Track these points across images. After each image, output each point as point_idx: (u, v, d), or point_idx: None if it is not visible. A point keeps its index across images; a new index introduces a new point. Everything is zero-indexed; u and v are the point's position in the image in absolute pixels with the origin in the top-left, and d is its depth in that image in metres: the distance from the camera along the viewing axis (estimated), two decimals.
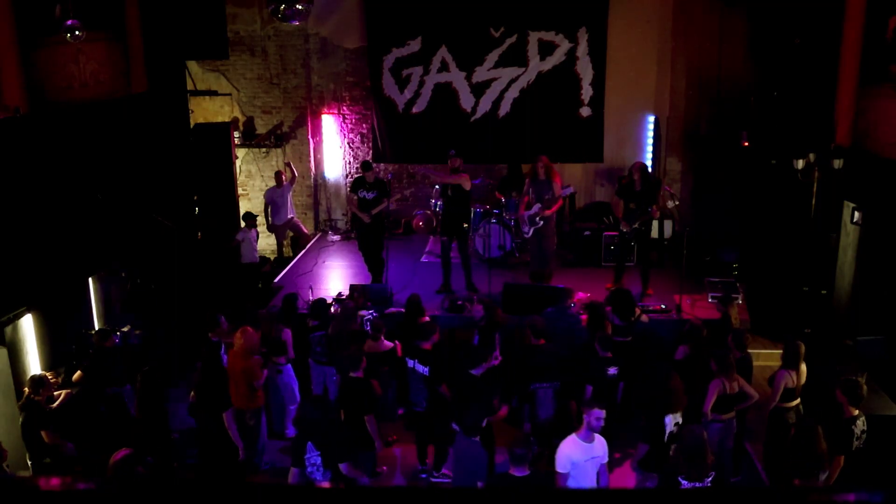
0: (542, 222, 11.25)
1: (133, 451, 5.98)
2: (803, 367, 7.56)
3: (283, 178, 13.55)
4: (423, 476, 8.07)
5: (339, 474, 6.49)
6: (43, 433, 7.66)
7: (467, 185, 11.05)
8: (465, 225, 11.05)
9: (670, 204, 12.36)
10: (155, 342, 9.78)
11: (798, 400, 7.54)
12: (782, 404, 7.46)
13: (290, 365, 8.56)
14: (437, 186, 12.64)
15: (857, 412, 6.76)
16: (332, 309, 9.45)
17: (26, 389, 7.81)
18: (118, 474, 6.35)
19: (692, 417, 7.20)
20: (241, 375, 7.84)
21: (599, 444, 6.22)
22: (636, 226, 10.82)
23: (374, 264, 11.41)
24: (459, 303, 10.65)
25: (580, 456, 6.10)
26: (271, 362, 8.41)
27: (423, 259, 12.89)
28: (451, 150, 11.44)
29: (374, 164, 14.02)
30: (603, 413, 6.10)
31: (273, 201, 13.55)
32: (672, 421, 7.14)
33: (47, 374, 8.16)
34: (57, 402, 8.04)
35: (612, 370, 7.60)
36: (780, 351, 7.79)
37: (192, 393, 7.93)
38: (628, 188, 11.00)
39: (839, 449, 6.60)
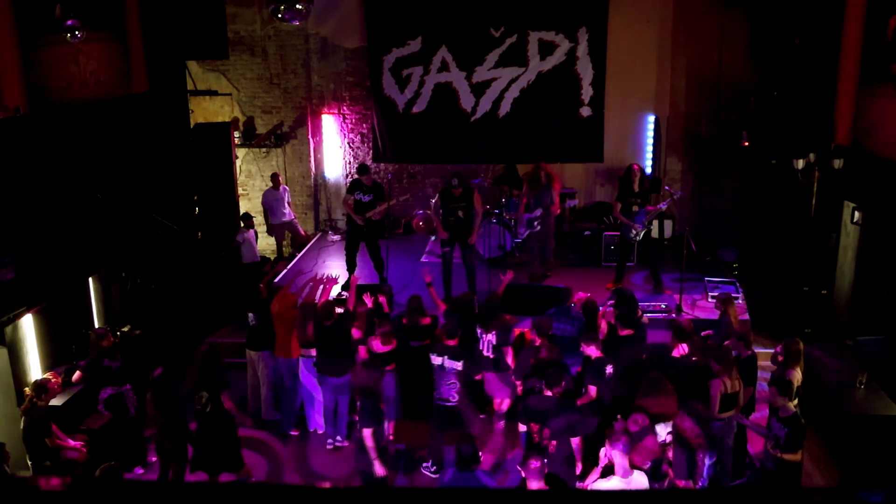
0: (538, 226, 11.25)
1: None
2: (801, 365, 7.57)
3: (280, 179, 13.58)
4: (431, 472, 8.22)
5: None
6: (46, 440, 7.65)
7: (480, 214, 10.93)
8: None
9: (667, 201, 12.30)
10: (155, 342, 9.77)
11: (797, 399, 7.53)
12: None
13: None
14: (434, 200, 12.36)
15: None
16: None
17: (27, 391, 7.77)
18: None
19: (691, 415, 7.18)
20: (286, 323, 8.87)
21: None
22: (646, 224, 10.89)
23: (375, 263, 11.40)
24: None
25: None
26: (307, 357, 8.81)
27: (424, 259, 12.88)
28: (454, 179, 10.77)
29: (374, 164, 14.09)
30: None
31: (270, 204, 13.56)
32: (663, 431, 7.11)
33: (49, 377, 8.11)
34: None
35: (610, 369, 7.58)
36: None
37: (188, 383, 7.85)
38: (627, 189, 11.02)
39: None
